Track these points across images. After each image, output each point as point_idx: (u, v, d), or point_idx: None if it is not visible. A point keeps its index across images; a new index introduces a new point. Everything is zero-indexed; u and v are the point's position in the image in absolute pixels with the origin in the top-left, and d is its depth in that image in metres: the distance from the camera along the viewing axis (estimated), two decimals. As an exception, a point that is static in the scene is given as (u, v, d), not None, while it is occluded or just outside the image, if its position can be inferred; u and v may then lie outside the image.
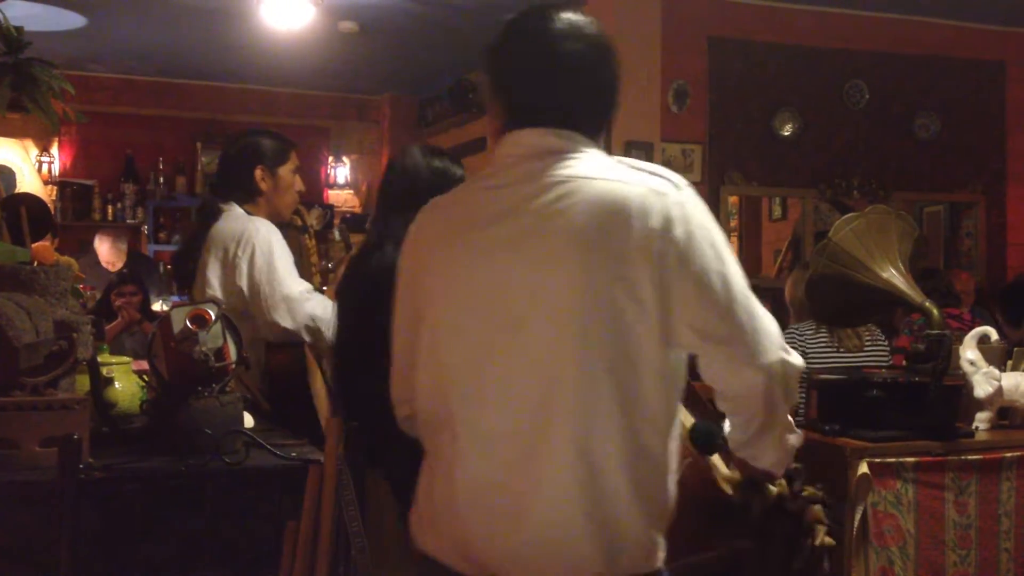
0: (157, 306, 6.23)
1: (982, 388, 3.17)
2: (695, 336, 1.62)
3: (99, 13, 6.72)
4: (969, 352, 3.19)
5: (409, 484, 2.34)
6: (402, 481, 2.37)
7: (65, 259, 2.41)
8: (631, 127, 5.98)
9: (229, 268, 3.11)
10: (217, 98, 9.13)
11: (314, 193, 9.53)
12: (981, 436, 3.17)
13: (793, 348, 4.75)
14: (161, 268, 8.23)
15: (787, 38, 6.55)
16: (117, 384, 2.50)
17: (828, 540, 1.85)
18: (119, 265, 7.25)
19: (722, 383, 1.70)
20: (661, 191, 1.61)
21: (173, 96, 8.99)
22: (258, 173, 3.26)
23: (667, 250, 1.58)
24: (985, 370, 3.18)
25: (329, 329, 3.02)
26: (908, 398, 3.07)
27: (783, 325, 5.39)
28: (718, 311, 1.61)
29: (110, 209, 8.75)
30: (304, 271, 3.42)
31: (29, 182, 8.45)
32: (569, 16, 1.75)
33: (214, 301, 3.11)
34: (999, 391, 3.19)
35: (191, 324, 2.22)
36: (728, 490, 1.83)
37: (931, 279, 5.38)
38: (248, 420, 2.50)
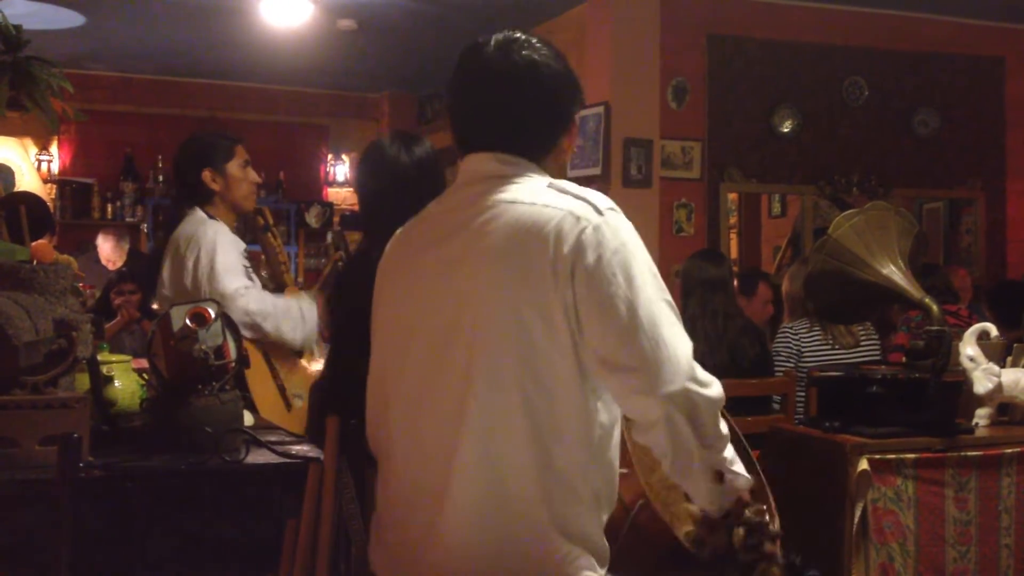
0: (156, 304, 6.22)
1: (982, 384, 3.17)
2: (599, 363, 1.60)
3: (98, 11, 6.72)
4: (969, 348, 3.19)
5: None
6: None
7: (64, 258, 2.40)
8: (630, 125, 5.98)
9: (177, 267, 3.24)
10: (216, 96, 9.13)
11: (313, 191, 9.53)
12: (981, 432, 3.17)
13: (787, 346, 4.72)
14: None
15: (786, 35, 6.55)
16: (117, 382, 2.49)
17: None
18: (119, 264, 7.24)
19: (628, 413, 1.67)
20: (579, 215, 1.62)
21: (172, 94, 8.99)
22: (207, 175, 3.35)
23: (577, 275, 1.59)
24: (985, 366, 3.18)
25: (269, 321, 3.16)
26: (908, 394, 3.07)
27: (777, 321, 5.37)
28: (620, 338, 1.58)
29: (109, 208, 8.74)
30: (274, 269, 3.56)
31: (28, 181, 8.44)
32: (507, 35, 1.76)
33: (165, 299, 3.24)
34: (999, 387, 3.19)
35: (191, 322, 2.21)
36: (682, 532, 1.79)
37: (930, 276, 5.38)
38: (248, 418, 2.50)
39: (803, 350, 4.50)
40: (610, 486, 1.70)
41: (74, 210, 8.65)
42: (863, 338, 4.55)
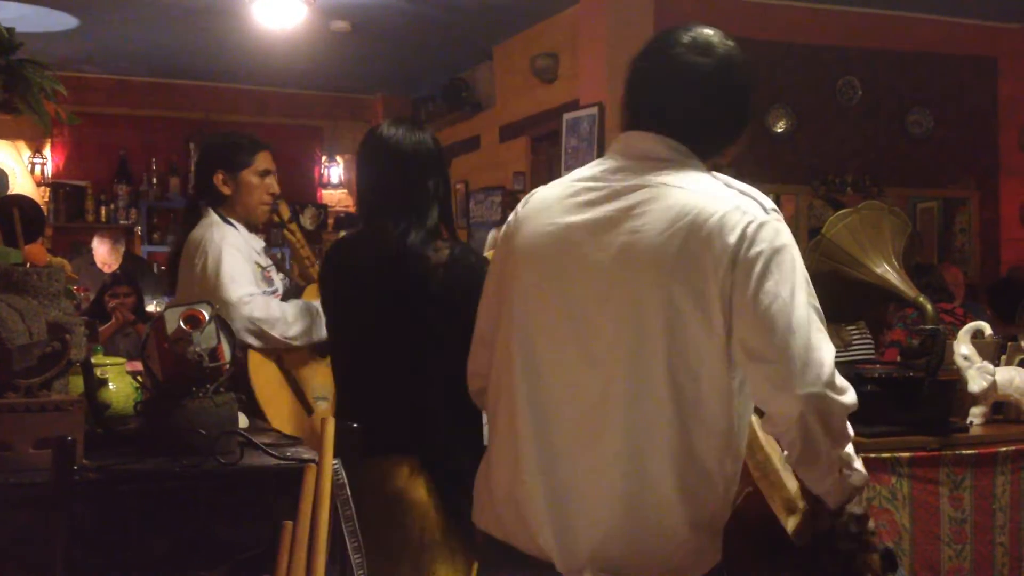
0: (151, 307, 6.22)
1: (976, 383, 3.17)
2: (743, 353, 1.63)
3: (91, 14, 6.72)
4: (963, 347, 3.19)
5: (445, 464, 2.38)
6: (454, 471, 2.39)
7: (58, 260, 2.40)
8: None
9: (188, 272, 3.22)
10: (210, 98, 9.13)
11: (308, 193, 9.53)
12: (975, 431, 3.18)
13: None
14: (155, 269, 8.23)
15: (780, 35, 6.55)
16: (111, 385, 2.49)
17: None
18: (115, 266, 7.23)
19: (762, 405, 1.70)
20: (745, 210, 1.64)
21: (166, 96, 8.98)
22: (219, 178, 3.30)
23: (738, 266, 1.61)
24: (979, 365, 3.18)
25: (277, 327, 3.11)
26: (902, 393, 3.07)
27: None
28: (771, 334, 1.61)
29: (103, 210, 8.74)
30: (299, 265, 3.50)
31: (21, 184, 8.43)
32: (705, 31, 1.79)
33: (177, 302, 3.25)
34: (993, 386, 3.19)
35: (185, 324, 2.21)
36: (787, 523, 1.81)
37: (925, 274, 5.39)
38: (243, 420, 2.50)
39: None
40: (736, 476, 1.73)
41: (67, 213, 8.64)
42: (856, 339, 4.54)
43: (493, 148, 7.92)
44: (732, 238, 1.61)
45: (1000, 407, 3.29)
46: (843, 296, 3.27)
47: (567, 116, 6.43)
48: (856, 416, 3.02)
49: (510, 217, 1.89)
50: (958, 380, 3.19)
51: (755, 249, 1.61)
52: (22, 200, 2.84)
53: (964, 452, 3.05)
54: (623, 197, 1.70)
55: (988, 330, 3.30)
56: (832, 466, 1.69)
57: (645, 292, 1.64)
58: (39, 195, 8.41)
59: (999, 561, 3.09)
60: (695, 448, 1.64)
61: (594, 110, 6.04)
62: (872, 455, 2.95)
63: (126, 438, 2.32)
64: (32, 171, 8.66)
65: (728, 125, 1.81)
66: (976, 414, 3.22)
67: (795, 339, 1.61)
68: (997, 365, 3.34)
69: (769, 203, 1.69)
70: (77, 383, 2.37)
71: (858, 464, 1.74)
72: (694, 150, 1.75)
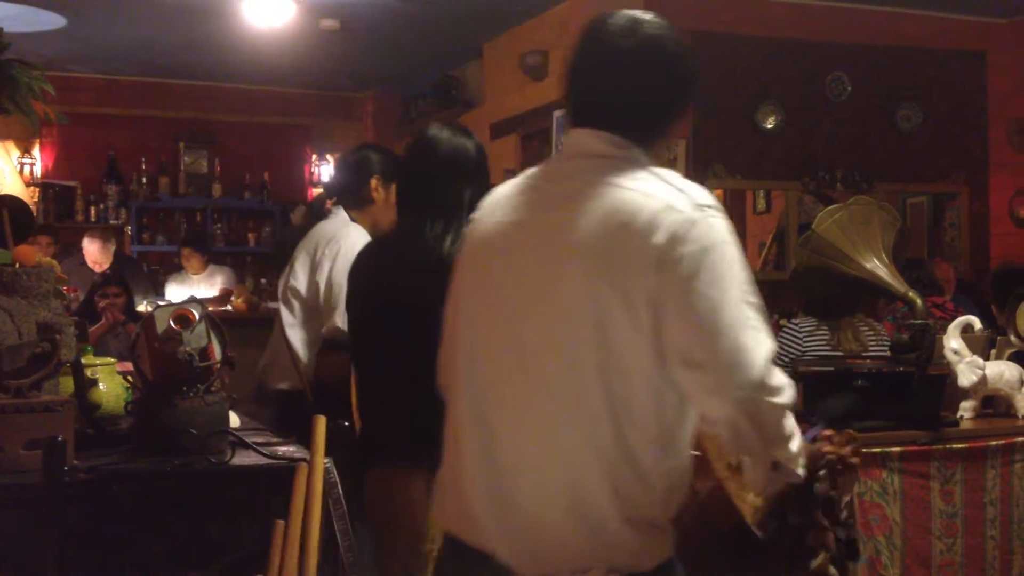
0: (141, 307, 6.21)
1: (966, 377, 3.18)
2: (672, 355, 1.61)
3: (80, 13, 6.69)
4: (953, 341, 3.20)
5: None
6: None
7: (47, 260, 2.40)
8: (614, 122, 5.98)
9: (315, 264, 3.34)
10: (199, 97, 9.10)
11: (298, 191, 9.51)
12: (966, 425, 3.19)
13: (790, 342, 4.70)
14: (145, 269, 8.21)
15: (769, 31, 6.56)
16: (101, 385, 2.49)
17: (831, 570, 1.73)
18: (106, 265, 7.21)
19: (694, 406, 1.68)
20: (677, 208, 1.61)
21: (155, 96, 8.95)
22: (374, 182, 3.41)
23: (665, 267, 1.58)
24: (969, 359, 3.19)
25: None
26: (893, 388, 3.08)
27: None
28: (699, 336, 1.58)
29: (92, 210, 8.71)
30: None
31: (10, 184, 8.41)
32: (629, 14, 1.75)
33: (295, 291, 3.36)
34: (983, 380, 3.20)
35: (175, 324, 2.21)
36: (747, 513, 1.80)
37: (916, 269, 5.40)
38: (234, 420, 2.50)
39: (805, 350, 4.49)
40: (682, 474, 1.71)
41: (57, 213, 8.61)
42: (872, 344, 4.50)
43: (484, 145, 7.92)
44: (661, 238, 1.58)
45: (990, 401, 3.30)
46: (833, 291, 3.28)
47: (557, 114, 6.42)
48: (847, 411, 3.04)
49: (475, 216, 1.89)
50: (948, 375, 3.20)
51: (683, 249, 1.58)
52: (11, 201, 2.83)
53: (955, 446, 3.06)
54: (561, 197, 1.70)
55: (978, 324, 3.31)
56: (763, 464, 1.67)
57: (575, 292, 1.62)
58: (28, 195, 8.38)
59: (990, 554, 3.10)
60: (630, 446, 1.62)
61: (584, 107, 6.03)
62: (863, 450, 2.95)
63: (117, 438, 2.32)
64: (21, 171, 8.63)
65: (663, 107, 1.76)
66: (966, 408, 3.23)
67: (722, 341, 1.58)
68: (987, 359, 3.36)
69: (705, 197, 1.65)
70: (67, 383, 2.36)
71: (798, 465, 1.69)
72: (635, 138, 1.72)
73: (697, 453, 1.77)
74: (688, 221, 1.59)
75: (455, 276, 1.85)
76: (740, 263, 1.64)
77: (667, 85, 1.75)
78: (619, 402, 1.61)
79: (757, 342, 1.61)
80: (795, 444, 1.68)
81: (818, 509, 1.73)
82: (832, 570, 1.74)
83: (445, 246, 2.48)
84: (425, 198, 2.59)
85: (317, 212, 3.55)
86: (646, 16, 1.76)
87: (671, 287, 1.58)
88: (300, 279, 3.37)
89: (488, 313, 1.74)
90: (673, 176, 1.68)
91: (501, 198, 1.83)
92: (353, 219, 3.44)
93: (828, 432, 1.85)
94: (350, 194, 3.48)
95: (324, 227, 3.44)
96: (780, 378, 1.64)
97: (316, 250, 3.35)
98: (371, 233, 3.40)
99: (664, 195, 1.63)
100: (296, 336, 3.34)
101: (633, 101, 1.73)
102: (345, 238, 3.32)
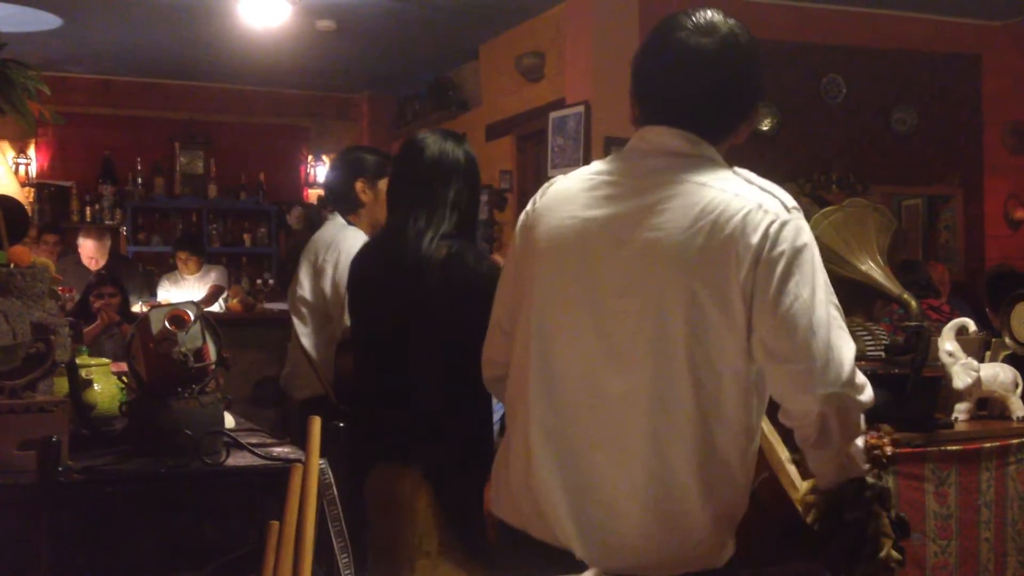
0: (136, 307, 6.20)
1: (961, 379, 3.18)
2: (763, 352, 1.64)
3: (75, 14, 6.69)
4: (947, 343, 3.21)
5: (449, 474, 2.38)
6: (441, 471, 2.41)
7: (42, 260, 2.39)
8: (610, 124, 5.99)
9: (318, 271, 3.40)
10: (195, 98, 9.10)
11: (294, 192, 9.51)
12: (960, 427, 3.19)
13: None
14: (140, 269, 8.19)
15: (764, 33, 6.54)
16: (96, 386, 2.48)
17: (895, 554, 1.79)
18: (102, 262, 7.21)
19: (781, 402, 1.71)
20: (768, 209, 1.65)
21: (150, 96, 8.95)
22: (359, 185, 3.48)
23: (760, 265, 1.62)
24: (964, 361, 3.19)
25: None
26: (887, 390, 3.07)
27: None
28: (792, 334, 1.62)
29: (88, 210, 8.71)
30: None
31: (5, 184, 8.37)
32: (706, 13, 1.76)
33: (303, 300, 3.43)
34: (978, 382, 3.20)
35: (170, 325, 2.20)
36: (801, 506, 1.83)
37: (912, 271, 5.41)
38: (229, 421, 2.49)
39: None
40: (753, 468, 1.74)
41: (52, 213, 8.60)
42: (871, 350, 4.49)
43: (479, 147, 7.91)
44: (755, 237, 1.62)
45: (985, 403, 3.30)
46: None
47: (553, 115, 6.43)
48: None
49: (528, 207, 1.88)
50: (943, 376, 3.20)
51: (777, 249, 1.62)
52: (6, 201, 2.82)
53: (949, 448, 3.07)
54: (644, 193, 1.70)
55: (973, 327, 3.31)
56: (838, 456, 1.72)
57: (667, 289, 1.64)
58: (23, 196, 8.36)
59: (984, 557, 3.10)
60: (716, 444, 1.65)
61: (580, 109, 6.04)
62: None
63: (111, 439, 2.31)
64: (16, 171, 8.61)
65: (738, 104, 1.79)
66: (961, 410, 3.24)
67: (816, 339, 1.62)
68: (982, 361, 3.36)
69: (791, 201, 1.69)
70: (62, 384, 2.36)
71: (860, 460, 1.76)
72: (707, 135, 1.75)
73: None
74: (780, 222, 1.64)
75: (516, 268, 1.84)
76: (822, 266, 1.68)
77: (741, 84, 1.77)
78: (709, 400, 1.64)
79: (845, 342, 1.67)
80: (861, 440, 1.75)
81: (875, 501, 1.77)
82: (895, 554, 1.77)
83: (424, 244, 2.52)
84: (410, 198, 2.65)
85: (314, 221, 3.63)
86: (722, 16, 1.77)
87: (765, 285, 1.62)
88: (305, 288, 3.44)
89: (566, 309, 1.74)
90: (755, 177, 1.72)
91: (571, 192, 1.81)
92: (350, 222, 3.48)
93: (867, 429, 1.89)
94: (340, 198, 3.55)
95: (322, 234, 3.50)
96: (863, 378, 1.70)
97: (317, 257, 3.41)
98: (370, 235, 3.42)
99: (754, 196, 1.67)
100: (311, 344, 3.39)
101: (708, 99, 1.74)
102: (343, 241, 3.36)
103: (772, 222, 1.63)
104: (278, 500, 1.98)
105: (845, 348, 1.66)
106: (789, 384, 1.66)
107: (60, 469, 1.95)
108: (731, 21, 1.76)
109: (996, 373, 3.26)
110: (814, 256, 1.66)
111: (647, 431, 1.65)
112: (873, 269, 3.14)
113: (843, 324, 1.68)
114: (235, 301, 7.03)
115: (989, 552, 3.11)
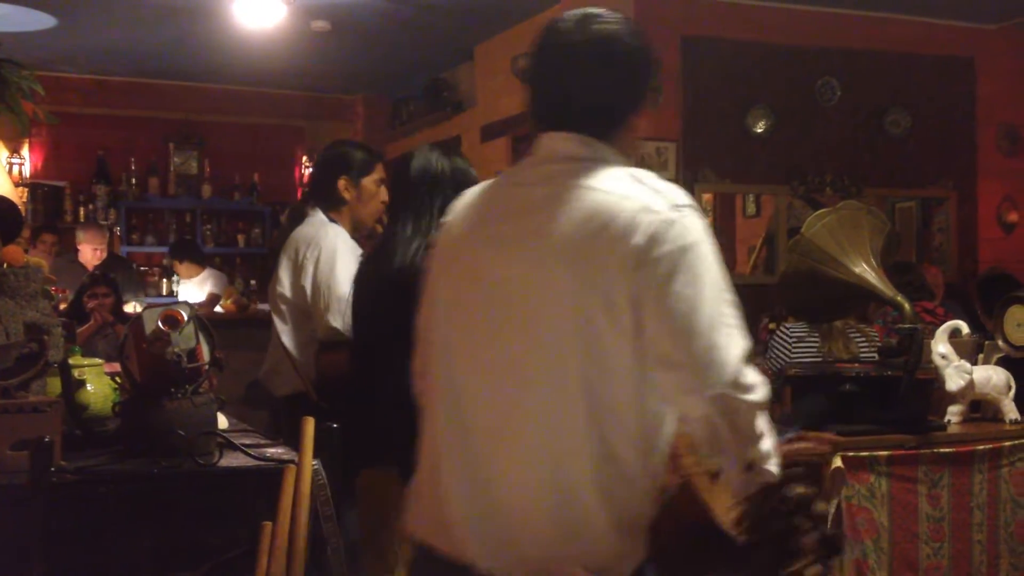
0: (130, 308, 6.19)
1: (954, 382, 3.19)
2: (654, 357, 1.61)
3: (70, 13, 6.67)
4: (941, 346, 3.21)
5: None
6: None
7: (35, 261, 2.39)
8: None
9: (297, 268, 3.32)
10: (189, 98, 9.08)
11: (288, 193, 9.50)
12: (953, 429, 3.20)
13: (780, 346, 4.68)
14: (134, 268, 8.19)
15: (760, 36, 6.58)
16: (89, 386, 2.48)
17: (812, 571, 1.71)
18: (104, 255, 7.19)
19: (671, 406, 1.68)
20: (654, 209, 1.61)
21: (145, 96, 8.93)
22: (341, 183, 3.42)
23: (644, 269, 1.59)
24: (956, 364, 3.20)
25: None
26: (881, 392, 3.08)
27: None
28: (674, 336, 1.59)
29: (82, 210, 8.68)
30: None
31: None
32: (583, 11, 1.74)
33: (283, 297, 3.36)
34: (970, 384, 3.21)
35: (163, 325, 2.20)
36: (722, 515, 1.80)
37: (906, 273, 5.42)
38: (222, 421, 2.49)
39: (793, 354, 4.51)
40: (659, 473, 1.71)
41: (46, 213, 8.58)
42: (864, 353, 4.50)
43: (474, 148, 7.91)
44: (640, 239, 1.59)
45: (977, 406, 3.31)
46: (822, 295, 3.29)
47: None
48: (835, 415, 3.05)
49: (445, 219, 1.88)
50: (936, 379, 3.21)
51: (662, 249, 1.59)
52: (0, 201, 2.82)
53: (942, 451, 3.07)
54: (535, 201, 1.69)
55: (965, 329, 3.32)
56: (738, 463, 1.67)
57: (557, 296, 1.62)
58: (17, 196, 8.33)
59: (976, 559, 3.11)
60: (613, 449, 1.62)
61: (575, 110, 6.04)
62: (851, 453, 2.96)
63: (104, 439, 2.31)
64: (10, 171, 8.59)
65: (622, 98, 1.75)
66: (954, 413, 3.24)
67: (697, 340, 1.59)
68: (975, 364, 3.37)
69: (681, 199, 1.65)
70: (55, 384, 2.36)
71: (771, 464, 1.70)
72: (598, 134, 1.72)
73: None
74: (666, 222, 1.60)
75: (427, 282, 1.84)
76: (716, 262, 1.64)
77: (622, 79, 1.73)
78: (602, 404, 1.61)
79: (731, 340, 1.62)
80: (767, 443, 1.68)
81: (796, 512, 1.72)
82: (813, 571, 1.74)
83: (409, 251, 2.64)
84: (399, 208, 2.81)
85: (296, 216, 3.55)
86: (597, 11, 1.73)
87: (650, 288, 1.59)
88: (285, 284, 3.37)
89: (465, 319, 1.73)
90: (648, 176, 1.68)
91: (470, 204, 1.82)
92: (332, 219, 3.42)
93: (805, 434, 1.85)
94: (323, 194, 3.48)
95: (303, 230, 3.43)
96: (754, 376, 1.64)
97: (297, 254, 3.34)
98: (351, 233, 3.41)
99: (641, 196, 1.63)
100: (291, 341, 3.33)
101: (590, 98, 1.72)
102: (324, 238, 3.31)
103: (657, 222, 1.60)
104: (271, 500, 1.98)
105: (731, 347, 1.61)
106: (674, 387, 1.63)
107: (53, 469, 1.94)
108: (607, 15, 1.73)
109: (989, 376, 3.27)
110: (701, 254, 1.62)
111: (542, 439, 1.62)
112: (866, 271, 3.15)
113: (734, 323, 1.64)
114: (229, 302, 7.02)
115: (982, 554, 3.11)
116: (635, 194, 1.64)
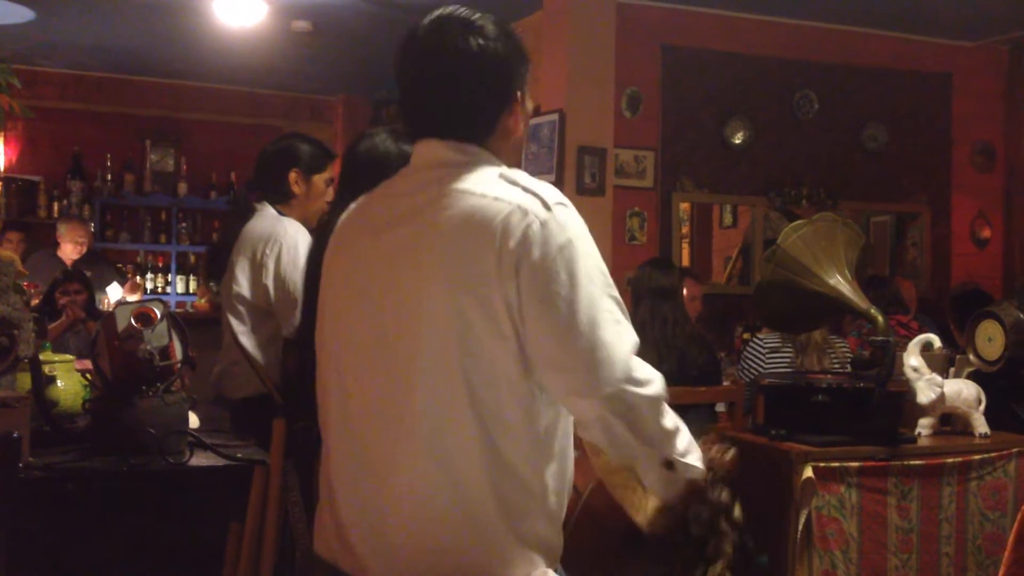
0: (111, 291, 6.14)
1: (925, 394, 3.21)
2: (540, 362, 1.58)
3: (48, 7, 6.62)
4: (912, 359, 3.23)
5: None
6: None
7: (7, 255, 2.37)
8: (584, 133, 6.01)
9: (257, 267, 3.22)
10: (167, 95, 9.03)
11: (265, 193, 9.46)
12: (923, 442, 3.22)
13: (753, 357, 4.70)
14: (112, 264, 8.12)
15: (739, 48, 6.61)
16: (59, 382, 2.46)
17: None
18: (86, 248, 7.11)
19: (569, 412, 1.66)
20: (527, 209, 1.58)
21: (122, 93, 8.88)
22: (292, 176, 3.35)
23: (521, 271, 1.56)
24: (928, 377, 3.22)
25: None
26: (853, 403, 3.10)
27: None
28: (558, 338, 1.56)
29: (56, 206, 8.62)
30: None
31: (-27, 177, 8.30)
32: (438, 15, 1.71)
33: (240, 298, 3.24)
34: (941, 398, 3.23)
35: (136, 322, 2.19)
36: (636, 514, 1.77)
37: (880, 287, 5.46)
38: (193, 420, 2.48)
39: (766, 365, 4.54)
40: (562, 478, 1.67)
41: (19, 208, 8.51)
42: (837, 366, 4.52)
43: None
44: (513, 242, 1.56)
45: (948, 419, 3.33)
46: (796, 306, 3.30)
47: (531, 121, 6.42)
48: (807, 425, 3.06)
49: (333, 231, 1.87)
50: (907, 391, 3.23)
51: (536, 251, 1.55)
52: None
53: (912, 463, 3.09)
54: (411, 209, 1.66)
55: (937, 343, 3.35)
56: (650, 462, 1.64)
57: (437, 305, 1.59)
58: (-10, 189, 8.28)
59: (944, 571, 3.13)
60: (505, 455, 1.59)
61: (555, 116, 6.06)
62: (821, 464, 2.98)
63: (74, 436, 2.29)
64: (-17, 165, 8.53)
65: (487, 99, 1.71)
66: (924, 425, 3.27)
67: (581, 340, 1.56)
68: (946, 378, 3.39)
69: (554, 197, 1.62)
70: (24, 380, 2.34)
71: (692, 458, 1.67)
72: (469, 137, 1.70)
73: (577, 453, 1.73)
74: (540, 222, 1.57)
75: (319, 297, 1.81)
76: (595, 257, 1.62)
77: (486, 80, 1.70)
78: (488, 413, 1.58)
79: (618, 336, 1.60)
80: (683, 439, 1.66)
81: (719, 516, 1.70)
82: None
83: None
84: (345, 187, 2.78)
85: (242, 210, 3.39)
86: (457, 13, 1.70)
87: (527, 290, 1.56)
88: (243, 285, 3.26)
89: (350, 332, 1.70)
90: (523, 177, 1.65)
91: (354, 213, 1.80)
92: (282, 213, 3.33)
93: (710, 437, 1.81)
94: (271, 186, 3.38)
95: (257, 227, 3.30)
96: (647, 370, 1.62)
97: (255, 252, 3.23)
98: None
99: (514, 198, 1.60)
100: (250, 342, 3.22)
101: (456, 103, 1.69)
102: (283, 235, 3.23)
103: (530, 224, 1.56)
104: (241, 500, 1.97)
105: (618, 344, 1.59)
106: (565, 390, 1.60)
107: (20, 466, 1.92)
108: (465, 14, 1.70)
109: (960, 389, 3.30)
110: (577, 252, 1.59)
111: (434, 448, 1.58)
112: (840, 283, 3.16)
113: (620, 317, 1.61)
114: (203, 301, 6.99)
115: (949, 567, 3.13)
116: (508, 196, 1.61)
